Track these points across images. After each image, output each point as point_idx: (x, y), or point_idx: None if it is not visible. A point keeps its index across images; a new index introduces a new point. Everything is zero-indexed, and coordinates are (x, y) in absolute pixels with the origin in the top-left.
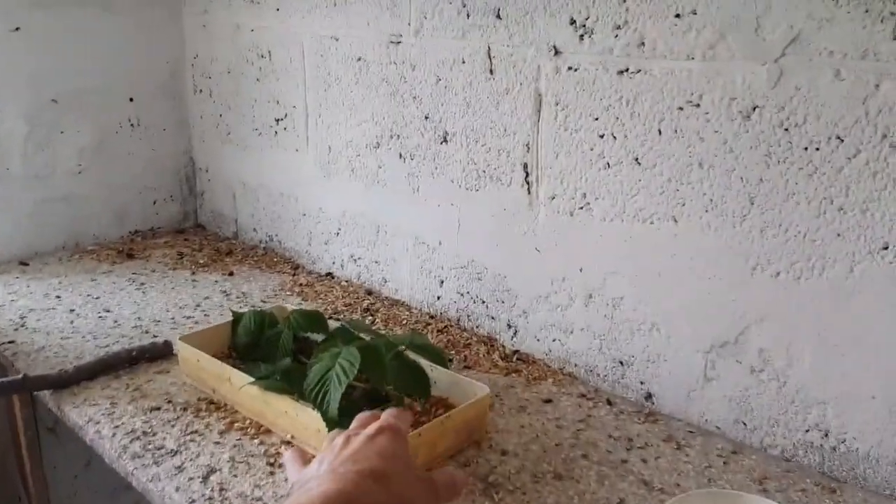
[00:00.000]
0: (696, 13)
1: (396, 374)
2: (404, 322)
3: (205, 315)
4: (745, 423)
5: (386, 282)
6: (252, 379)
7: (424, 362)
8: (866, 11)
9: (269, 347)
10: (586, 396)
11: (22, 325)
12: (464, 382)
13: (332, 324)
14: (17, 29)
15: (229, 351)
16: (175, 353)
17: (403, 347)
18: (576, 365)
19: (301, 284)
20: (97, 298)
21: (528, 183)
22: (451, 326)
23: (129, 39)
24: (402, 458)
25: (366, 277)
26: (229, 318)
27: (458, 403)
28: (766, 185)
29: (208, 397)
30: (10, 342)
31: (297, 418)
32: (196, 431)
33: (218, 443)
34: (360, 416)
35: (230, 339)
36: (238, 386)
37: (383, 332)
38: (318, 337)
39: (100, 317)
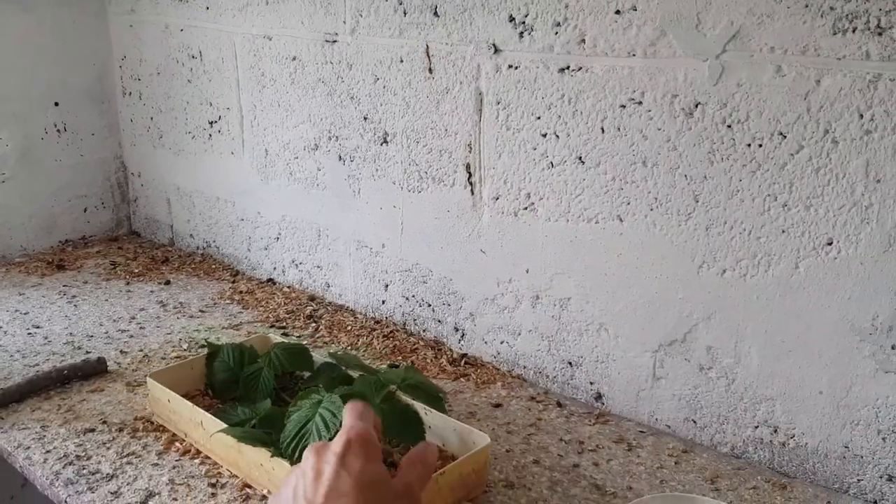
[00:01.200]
0: (636, 9)
1: (387, 420)
2: (349, 328)
3: (140, 328)
4: (695, 422)
5: (329, 287)
6: (224, 425)
7: (419, 404)
8: (806, 6)
9: (248, 386)
10: (536, 399)
11: None
12: (462, 430)
13: (319, 358)
14: None
15: (205, 389)
16: (109, 371)
17: (395, 388)
18: (525, 367)
19: (241, 292)
20: (26, 314)
21: (471, 184)
22: (398, 331)
23: (51, 41)
24: (379, 482)
25: (308, 283)
26: (197, 349)
27: (456, 452)
28: (710, 183)
29: (145, 416)
30: None
31: (273, 472)
32: (133, 453)
33: (156, 464)
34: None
35: (205, 376)
36: (210, 432)
37: (374, 367)
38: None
39: (29, 333)
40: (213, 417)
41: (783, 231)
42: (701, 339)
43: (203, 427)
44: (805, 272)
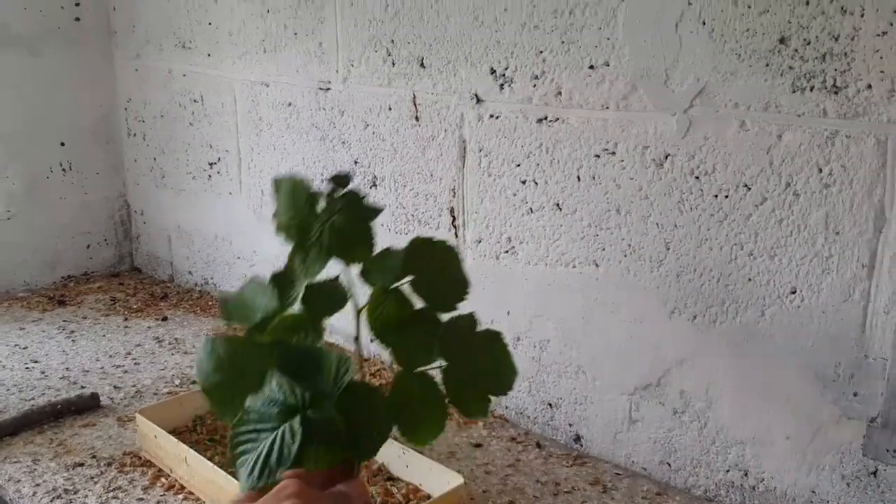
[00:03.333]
0: (608, 65)
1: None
2: None
3: (135, 364)
4: (669, 465)
5: None
6: (223, 472)
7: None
8: (767, 66)
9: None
10: (516, 440)
11: None
12: (437, 469)
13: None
14: None
15: (193, 425)
16: (102, 406)
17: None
18: (507, 407)
19: (236, 329)
20: (25, 348)
21: (454, 227)
22: (384, 369)
23: (58, 83)
24: None
25: None
26: (189, 385)
27: (431, 491)
28: (680, 231)
29: (134, 451)
30: None
31: None
32: (119, 488)
33: (141, 499)
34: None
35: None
36: (196, 468)
37: None
38: None
39: (27, 368)
40: (200, 455)
41: (749, 279)
42: (674, 383)
43: (187, 463)
44: (771, 319)
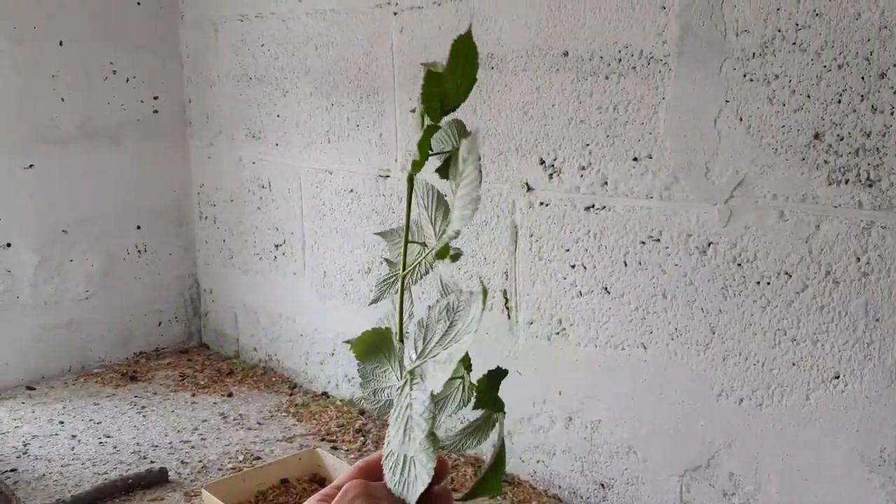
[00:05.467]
0: (651, 157)
1: None
2: None
3: (201, 439)
4: None
5: None
6: None
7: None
8: (802, 160)
9: None
10: None
11: (24, 453)
12: None
13: None
14: (30, 166)
15: (255, 500)
16: (170, 480)
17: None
18: (560, 487)
19: (297, 405)
20: (99, 423)
21: (507, 308)
22: (440, 448)
23: (137, 171)
24: None
25: (360, 398)
26: (252, 461)
27: None
28: (725, 316)
29: None
30: (12, 470)
31: None
32: None
33: None
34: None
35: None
36: None
37: None
38: None
39: (100, 442)
40: None
41: (794, 364)
42: (723, 465)
43: None
44: (816, 404)
